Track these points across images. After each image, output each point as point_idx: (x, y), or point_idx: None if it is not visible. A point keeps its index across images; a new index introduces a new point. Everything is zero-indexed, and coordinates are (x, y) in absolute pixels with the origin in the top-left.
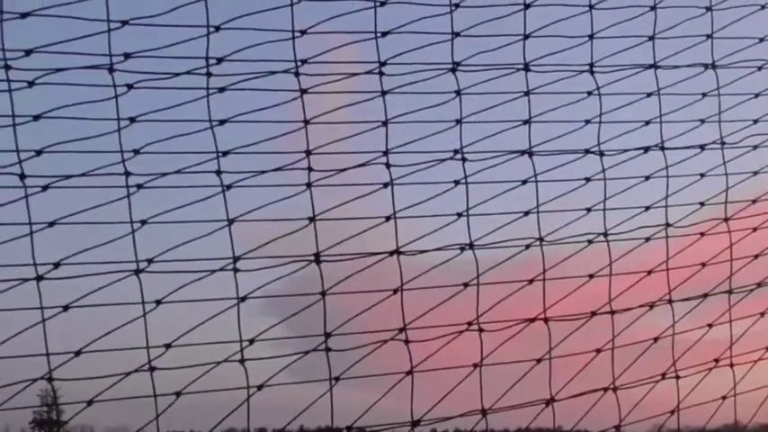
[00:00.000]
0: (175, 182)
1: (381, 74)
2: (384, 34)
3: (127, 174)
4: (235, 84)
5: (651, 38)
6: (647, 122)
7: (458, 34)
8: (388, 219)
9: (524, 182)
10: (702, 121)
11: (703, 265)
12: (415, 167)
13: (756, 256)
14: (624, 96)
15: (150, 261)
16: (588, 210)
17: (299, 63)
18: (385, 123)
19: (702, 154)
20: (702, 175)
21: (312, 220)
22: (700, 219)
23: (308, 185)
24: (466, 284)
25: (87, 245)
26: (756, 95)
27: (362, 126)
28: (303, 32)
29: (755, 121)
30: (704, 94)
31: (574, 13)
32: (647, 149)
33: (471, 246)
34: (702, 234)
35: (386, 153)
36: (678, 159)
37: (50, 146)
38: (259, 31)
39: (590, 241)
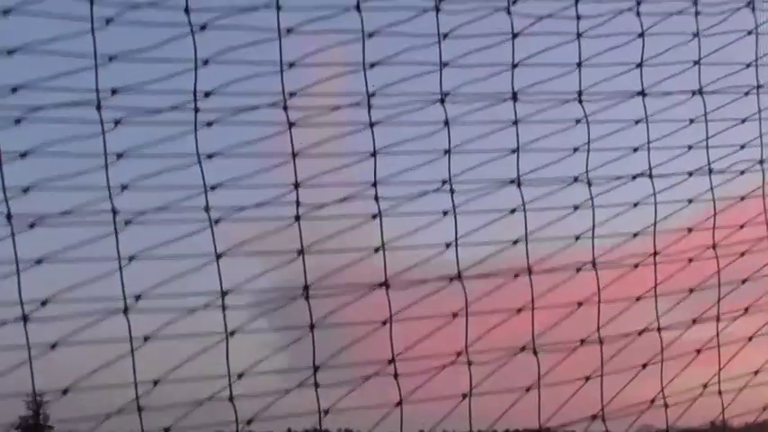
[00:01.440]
0: (164, 217)
1: (370, 106)
2: (372, 65)
3: (114, 212)
4: (223, 118)
5: (639, 65)
6: (636, 149)
7: (446, 64)
8: (377, 250)
9: (513, 211)
10: (690, 147)
11: (691, 291)
12: (404, 199)
13: (744, 281)
14: (612, 124)
15: (138, 297)
16: (577, 237)
17: (287, 95)
18: (374, 154)
19: (690, 180)
20: (690, 201)
21: (300, 253)
22: (688, 246)
23: (297, 218)
24: (455, 315)
25: (75, 281)
26: (743, 121)
27: (351, 158)
28: (291, 65)
29: (742, 147)
30: (691, 120)
31: (562, 42)
32: (635, 177)
33: (460, 276)
34: (690, 260)
35: (374, 185)
36: (666, 186)
37: (37, 182)
38: (247, 65)
39: (578, 269)
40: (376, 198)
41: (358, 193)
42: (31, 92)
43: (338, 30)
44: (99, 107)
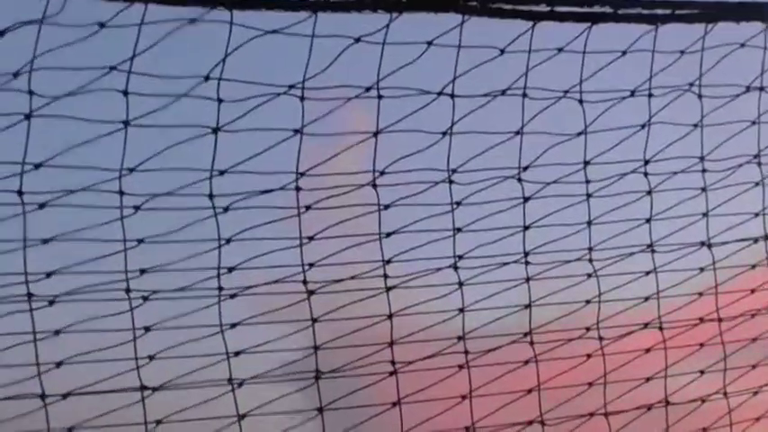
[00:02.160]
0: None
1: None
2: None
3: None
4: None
5: (648, 220)
6: (646, 299)
7: (459, 230)
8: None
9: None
10: (701, 294)
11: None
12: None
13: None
14: (622, 276)
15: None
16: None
17: (306, 267)
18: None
19: (701, 326)
20: (702, 345)
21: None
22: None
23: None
24: (461, 366)
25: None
26: (753, 266)
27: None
28: (311, 238)
29: (753, 291)
30: (702, 269)
31: (572, 203)
32: (646, 325)
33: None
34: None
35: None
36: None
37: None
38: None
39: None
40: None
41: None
42: (63, 276)
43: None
44: (128, 290)
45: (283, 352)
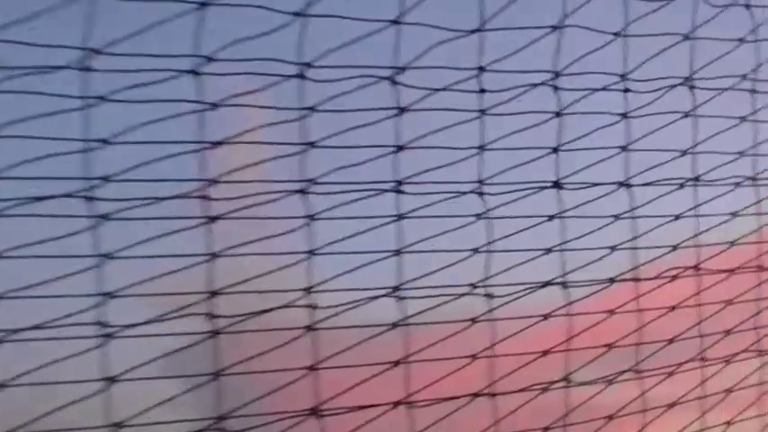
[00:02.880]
0: None
1: None
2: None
3: None
4: None
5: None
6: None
7: (312, 144)
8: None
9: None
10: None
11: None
12: None
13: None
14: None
15: None
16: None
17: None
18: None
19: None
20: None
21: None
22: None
23: None
24: (310, 328)
25: None
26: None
27: None
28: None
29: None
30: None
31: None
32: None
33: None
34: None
35: None
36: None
37: None
38: None
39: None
40: None
41: None
42: None
43: None
44: None
45: (66, 298)
